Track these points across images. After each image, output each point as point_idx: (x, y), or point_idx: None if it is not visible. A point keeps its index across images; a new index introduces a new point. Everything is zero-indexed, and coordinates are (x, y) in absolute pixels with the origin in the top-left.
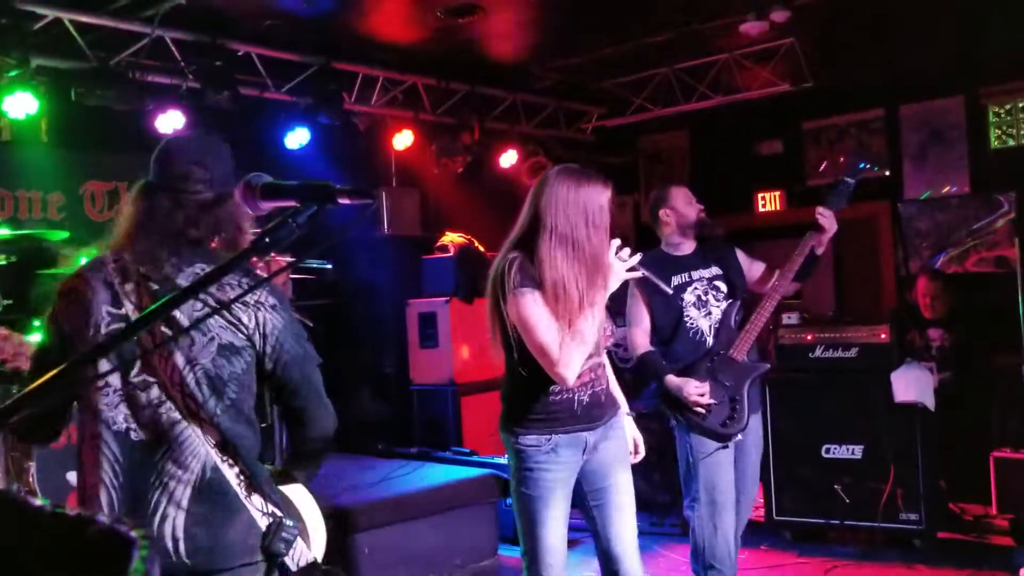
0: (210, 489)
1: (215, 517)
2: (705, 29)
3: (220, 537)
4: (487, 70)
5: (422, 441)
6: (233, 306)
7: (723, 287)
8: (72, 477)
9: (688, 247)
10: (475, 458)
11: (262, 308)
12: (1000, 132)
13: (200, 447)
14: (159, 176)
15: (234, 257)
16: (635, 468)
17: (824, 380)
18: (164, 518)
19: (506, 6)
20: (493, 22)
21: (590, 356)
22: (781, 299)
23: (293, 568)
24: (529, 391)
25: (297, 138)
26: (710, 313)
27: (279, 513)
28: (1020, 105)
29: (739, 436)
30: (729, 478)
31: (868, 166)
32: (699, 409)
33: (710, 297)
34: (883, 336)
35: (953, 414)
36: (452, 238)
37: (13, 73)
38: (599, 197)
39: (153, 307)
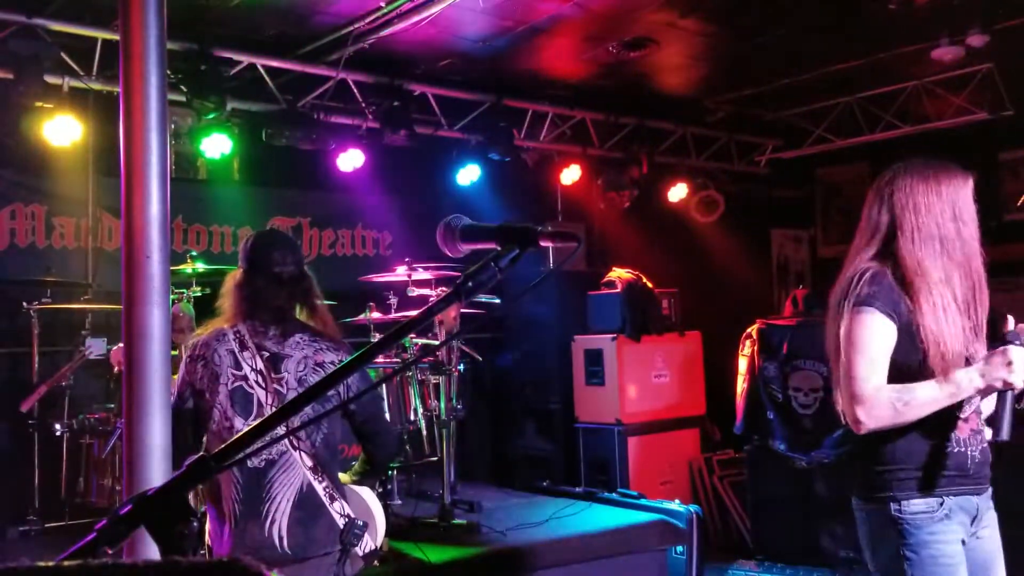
0: (305, 500)
1: (308, 519)
2: (892, 56)
3: (311, 534)
4: (657, 103)
5: (587, 481)
6: (325, 364)
7: None
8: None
9: None
10: (644, 502)
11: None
12: None
13: (299, 469)
14: (252, 262)
15: (429, 307)
16: (814, 520)
17: None
18: (272, 521)
19: (680, 39)
20: (665, 55)
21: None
22: None
23: (360, 554)
24: (907, 439)
25: (468, 174)
26: None
27: (352, 515)
28: None
29: None
30: None
31: None
32: None
33: None
34: None
35: None
36: (619, 274)
37: (211, 116)
38: (963, 191)
39: (355, 356)
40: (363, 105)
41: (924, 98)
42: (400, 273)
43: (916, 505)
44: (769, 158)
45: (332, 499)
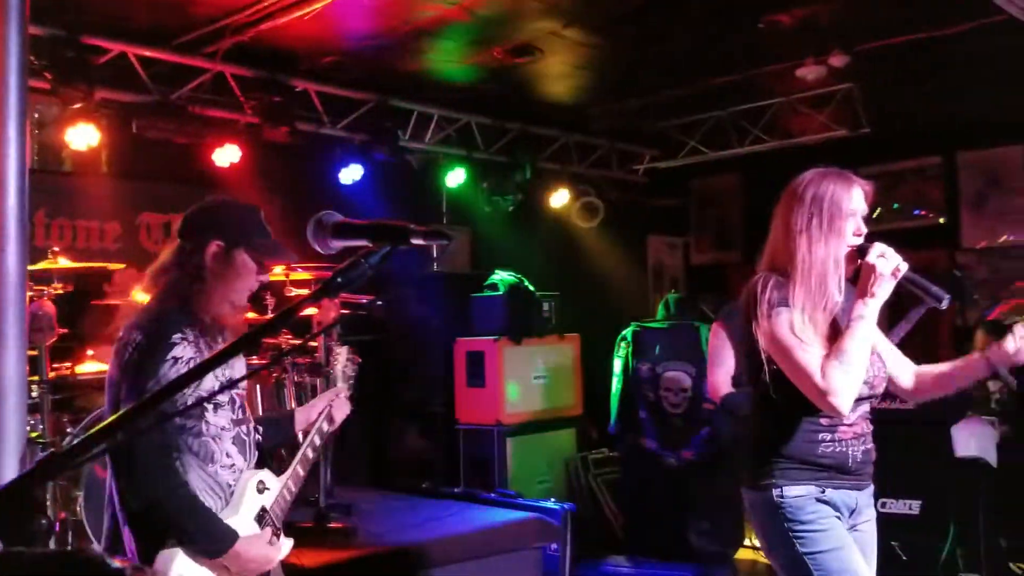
0: (113, 516)
1: (114, 540)
2: (762, 73)
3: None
4: (541, 110)
5: (468, 482)
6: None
7: None
8: None
9: None
10: (520, 500)
11: (130, 346)
12: None
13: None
14: None
15: (292, 305)
16: (683, 516)
17: (880, 432)
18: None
19: (563, 48)
20: (550, 63)
21: (863, 400)
22: None
23: None
24: (792, 437)
25: (351, 174)
26: None
27: (133, 557)
28: None
29: None
30: None
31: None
32: None
33: None
34: None
35: (1013, 468)
36: (502, 277)
37: (77, 105)
38: (847, 192)
39: (215, 354)
40: (242, 99)
41: (790, 114)
42: (278, 273)
43: (796, 490)
44: (647, 167)
45: (124, 523)
